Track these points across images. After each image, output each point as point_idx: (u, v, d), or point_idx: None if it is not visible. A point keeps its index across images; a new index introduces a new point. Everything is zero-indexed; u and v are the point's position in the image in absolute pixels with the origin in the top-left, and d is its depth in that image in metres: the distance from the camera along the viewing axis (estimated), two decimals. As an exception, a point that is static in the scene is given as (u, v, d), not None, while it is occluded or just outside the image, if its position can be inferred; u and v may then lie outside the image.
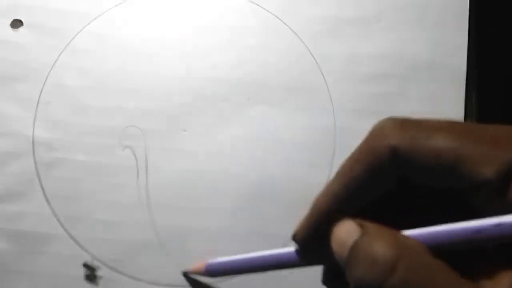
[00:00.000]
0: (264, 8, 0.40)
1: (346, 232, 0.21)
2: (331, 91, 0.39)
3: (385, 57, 0.39)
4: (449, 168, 0.19)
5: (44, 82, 0.39)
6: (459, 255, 0.19)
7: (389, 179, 0.21)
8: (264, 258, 0.26)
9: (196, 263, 0.35)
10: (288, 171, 0.38)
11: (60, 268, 0.37)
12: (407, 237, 0.20)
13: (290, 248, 0.25)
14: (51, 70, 0.39)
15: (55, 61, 0.39)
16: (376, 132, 0.22)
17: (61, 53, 0.39)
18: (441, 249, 0.19)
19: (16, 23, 0.39)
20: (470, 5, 0.39)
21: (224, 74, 0.39)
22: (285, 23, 0.40)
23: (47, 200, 0.38)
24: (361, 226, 0.20)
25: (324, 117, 0.38)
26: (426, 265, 0.18)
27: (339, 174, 0.22)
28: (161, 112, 0.39)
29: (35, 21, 0.39)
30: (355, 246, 0.20)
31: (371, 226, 0.20)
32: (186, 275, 0.36)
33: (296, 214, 0.37)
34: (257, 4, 0.40)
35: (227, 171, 0.38)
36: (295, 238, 0.24)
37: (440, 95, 0.38)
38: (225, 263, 0.30)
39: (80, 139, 0.38)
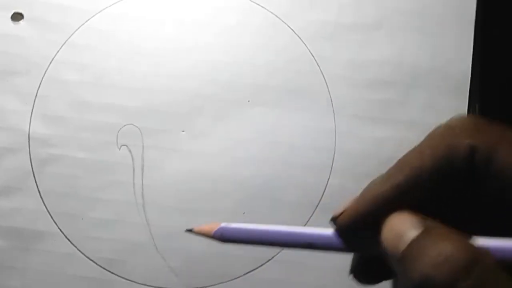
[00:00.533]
0: (266, 9, 0.39)
1: (404, 224, 0.19)
2: (332, 94, 0.38)
3: (386, 63, 0.39)
4: None
5: (43, 77, 0.38)
6: None
7: (461, 179, 0.20)
8: (292, 234, 0.24)
9: (206, 224, 0.32)
10: (287, 174, 0.37)
11: (52, 265, 0.36)
12: (478, 244, 0.19)
13: (324, 229, 0.23)
14: (50, 64, 0.39)
15: (54, 56, 0.39)
16: (453, 128, 0.20)
17: (60, 48, 0.39)
18: (506, 264, 0.18)
19: (17, 16, 0.39)
20: (476, 13, 0.39)
21: (225, 75, 0.39)
22: (287, 25, 0.39)
23: (41, 197, 0.37)
24: (421, 222, 0.19)
25: (325, 121, 0.38)
26: (498, 278, 0.18)
27: (404, 164, 0.21)
28: (160, 111, 0.38)
29: (36, 15, 0.39)
30: (418, 242, 0.19)
31: (435, 225, 0.19)
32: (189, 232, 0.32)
33: (294, 217, 0.37)
34: (259, 4, 0.39)
35: (224, 173, 0.37)
36: (336, 219, 0.22)
37: (442, 103, 0.38)
38: (244, 231, 0.26)
39: (77, 135, 0.38)
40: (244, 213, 0.37)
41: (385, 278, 0.22)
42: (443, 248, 0.18)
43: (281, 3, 0.39)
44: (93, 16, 0.39)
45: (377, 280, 0.23)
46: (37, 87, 0.38)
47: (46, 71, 0.38)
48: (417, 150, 0.21)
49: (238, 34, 0.39)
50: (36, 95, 0.38)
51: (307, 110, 0.38)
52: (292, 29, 0.39)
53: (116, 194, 0.37)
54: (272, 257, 0.36)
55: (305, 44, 0.39)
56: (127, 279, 0.36)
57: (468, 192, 0.21)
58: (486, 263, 0.18)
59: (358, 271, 0.24)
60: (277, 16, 0.39)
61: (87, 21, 0.39)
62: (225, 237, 0.25)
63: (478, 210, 0.21)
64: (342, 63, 0.39)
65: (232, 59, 0.39)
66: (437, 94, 0.38)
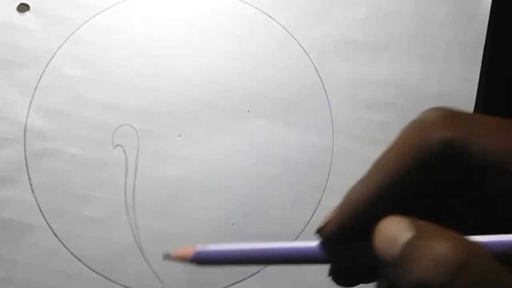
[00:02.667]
0: (275, 20, 0.39)
1: (395, 228, 0.19)
2: (333, 112, 0.38)
3: (390, 85, 0.38)
4: (503, 169, 0.18)
5: (44, 70, 0.38)
6: None
7: (439, 175, 0.20)
8: (273, 250, 0.22)
9: (182, 248, 0.32)
10: (280, 188, 0.37)
11: (38, 259, 0.36)
12: (472, 241, 0.18)
13: (305, 242, 0.22)
14: (52, 58, 0.38)
15: (58, 50, 0.38)
16: (426, 123, 0.20)
17: (64, 42, 0.39)
18: (503, 260, 0.18)
19: (23, 7, 0.39)
20: (485, 43, 0.38)
21: (227, 83, 0.38)
22: (294, 38, 0.39)
23: (32, 190, 0.37)
24: (413, 223, 0.19)
25: (323, 138, 0.37)
26: (497, 274, 0.17)
27: (381, 167, 0.20)
28: (158, 114, 0.38)
29: (42, 7, 0.39)
30: (411, 244, 0.18)
31: (427, 225, 0.19)
32: (167, 258, 0.32)
33: (284, 233, 0.36)
34: (268, 15, 0.39)
35: (217, 182, 0.37)
36: (321, 231, 0.22)
37: (444, 129, 0.37)
38: (221, 252, 0.25)
39: (73, 131, 0.38)
40: (233, 224, 0.36)
41: (364, 281, 0.22)
42: (437, 249, 0.17)
43: (290, 15, 0.39)
44: (99, 12, 0.39)
45: (356, 283, 0.23)
46: (38, 79, 0.38)
47: (48, 64, 0.38)
48: (392, 150, 0.21)
49: (245, 43, 0.39)
50: (36, 88, 0.38)
51: (306, 126, 0.38)
52: (298, 42, 0.39)
53: (107, 193, 0.37)
54: (258, 271, 0.36)
55: (310, 59, 0.38)
56: (110, 280, 0.36)
57: (450, 187, 0.20)
58: (483, 259, 0.17)
59: (337, 273, 0.23)
60: (284, 28, 0.39)
61: (93, 17, 0.39)
62: (202, 260, 0.24)
63: (465, 203, 0.20)
64: (346, 81, 0.38)
65: (236, 68, 0.38)
66: (439, 121, 0.37)
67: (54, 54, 0.38)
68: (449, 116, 0.20)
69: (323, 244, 0.21)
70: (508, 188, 0.19)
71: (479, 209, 0.20)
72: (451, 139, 0.19)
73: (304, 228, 0.36)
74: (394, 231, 0.19)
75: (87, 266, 0.36)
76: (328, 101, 0.38)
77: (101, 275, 0.36)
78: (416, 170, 0.20)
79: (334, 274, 0.23)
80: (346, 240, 0.21)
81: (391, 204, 0.20)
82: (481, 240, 0.19)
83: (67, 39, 0.39)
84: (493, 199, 0.20)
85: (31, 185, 0.37)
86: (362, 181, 0.21)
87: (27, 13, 0.39)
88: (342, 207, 0.21)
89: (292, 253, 0.22)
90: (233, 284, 0.36)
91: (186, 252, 0.25)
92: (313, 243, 0.22)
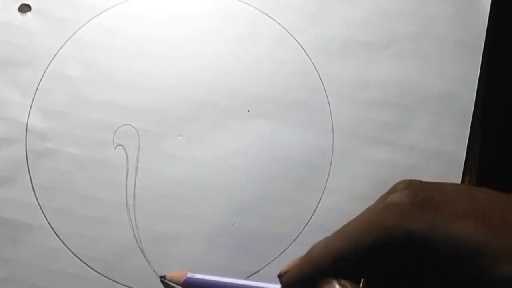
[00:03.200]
0: (274, 20, 0.39)
1: None
2: (333, 112, 0.38)
3: (390, 85, 0.38)
4: (469, 259, 0.19)
5: (45, 70, 0.38)
6: None
7: (399, 260, 0.21)
8: (238, 285, 0.28)
9: (175, 272, 0.35)
10: (280, 188, 0.37)
11: (38, 259, 0.36)
12: None
13: (273, 285, 0.26)
14: (53, 58, 0.39)
15: (59, 50, 0.39)
16: (393, 208, 0.21)
17: (65, 42, 0.39)
18: None
19: (24, 8, 0.39)
20: (485, 43, 0.38)
21: (227, 83, 0.38)
22: (294, 37, 0.39)
23: (34, 190, 0.37)
24: None
25: (323, 138, 0.38)
26: None
27: (344, 235, 0.22)
28: (158, 114, 0.38)
29: (43, 8, 0.39)
30: None
31: None
32: (163, 280, 0.36)
33: (283, 232, 0.36)
34: (267, 15, 0.39)
35: (217, 182, 0.37)
36: (281, 277, 0.24)
37: (443, 129, 0.37)
38: (204, 282, 0.31)
39: (74, 131, 0.38)
40: (233, 223, 0.37)
41: None
42: None
43: (290, 15, 0.39)
44: (101, 13, 0.39)
45: None
46: (39, 80, 0.38)
47: (49, 65, 0.39)
48: (360, 222, 0.22)
49: (245, 43, 0.39)
50: (37, 88, 0.38)
51: (306, 126, 0.38)
52: (298, 42, 0.39)
53: (107, 193, 0.37)
54: (257, 271, 0.36)
55: (310, 59, 0.39)
56: (111, 279, 0.36)
57: (410, 268, 0.21)
58: None
59: None
60: (284, 28, 0.39)
61: (94, 17, 0.39)
62: (191, 285, 0.31)
63: (420, 282, 0.21)
64: (346, 80, 0.38)
65: (236, 68, 0.38)
66: (439, 119, 0.37)
67: (55, 54, 0.39)
68: (414, 204, 0.20)
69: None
70: (475, 277, 0.19)
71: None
72: (414, 230, 0.20)
73: (304, 228, 0.37)
74: None
75: (88, 266, 0.36)
76: (328, 101, 0.38)
77: (102, 274, 0.36)
78: (376, 253, 0.21)
79: None
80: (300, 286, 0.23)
81: (344, 272, 0.21)
82: None
83: (68, 39, 0.39)
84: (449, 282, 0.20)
85: (32, 185, 0.37)
86: (325, 240, 0.23)
87: (28, 13, 0.39)
88: (302, 262, 0.23)
89: None
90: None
91: (178, 276, 0.32)
92: (277, 286, 0.25)
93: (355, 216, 0.36)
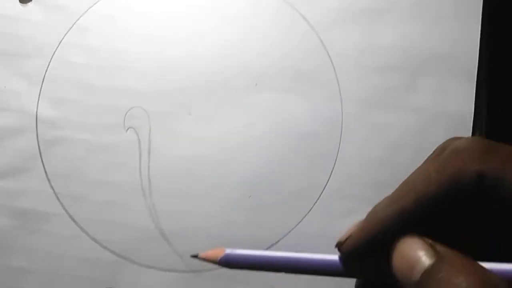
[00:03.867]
0: (275, -6, 0.39)
1: (415, 252, 0.19)
2: (340, 80, 0.38)
3: (394, 49, 0.38)
4: None
5: (50, 59, 0.39)
6: None
7: (470, 205, 0.20)
8: (296, 259, 0.23)
9: (210, 250, 0.33)
10: (293, 159, 0.37)
11: (58, 246, 0.36)
12: (490, 272, 0.18)
13: (329, 255, 0.22)
14: (57, 47, 0.39)
15: (62, 39, 0.39)
16: (462, 153, 0.20)
17: (68, 30, 0.39)
18: None
19: (25, -1, 0.39)
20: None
21: (232, 59, 0.39)
22: (296, 9, 0.39)
23: (48, 178, 0.37)
24: (433, 248, 0.19)
25: (332, 107, 0.38)
26: None
27: (409, 188, 0.20)
28: (166, 94, 0.38)
29: (44, -2, 0.39)
30: (431, 272, 0.18)
31: (447, 253, 0.19)
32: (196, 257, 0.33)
33: (299, 202, 0.37)
34: (268, -10, 0.39)
35: (230, 157, 0.37)
36: (341, 246, 0.22)
37: (450, 89, 0.38)
38: (247, 257, 0.26)
39: (84, 118, 0.38)
40: (250, 196, 0.37)
41: None
42: (455, 281, 0.17)
43: (290, -12, 0.39)
44: (101, -1, 0.39)
45: None
46: (45, 69, 0.38)
47: (54, 54, 0.39)
48: (423, 173, 0.21)
49: (247, 18, 0.39)
50: (44, 77, 0.38)
51: (314, 96, 0.38)
52: (301, 14, 0.39)
53: (122, 176, 0.37)
54: (276, 242, 0.36)
55: (313, 29, 0.39)
56: (132, 261, 0.36)
57: (476, 216, 0.20)
58: None
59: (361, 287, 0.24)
60: (285, 1, 0.39)
61: (95, 3, 0.39)
62: (230, 263, 0.25)
63: (488, 233, 0.21)
64: (350, 48, 0.39)
65: (240, 43, 0.39)
66: (445, 79, 0.38)
67: (60, 43, 0.39)
68: (484, 148, 0.20)
69: (343, 258, 0.22)
70: None
71: (503, 241, 0.20)
72: (485, 172, 0.19)
73: (319, 196, 0.37)
74: (414, 256, 0.19)
75: (108, 250, 0.36)
76: (334, 69, 0.38)
77: (122, 257, 0.36)
78: (445, 198, 0.20)
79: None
80: (365, 255, 0.21)
81: (414, 228, 0.20)
82: (499, 268, 0.19)
83: (71, 27, 0.39)
84: None
85: (46, 173, 0.37)
86: (387, 199, 0.21)
87: (29, 4, 0.39)
88: (364, 225, 0.21)
89: (312, 265, 0.22)
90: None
91: (215, 254, 0.26)
92: (335, 256, 0.22)
93: (368, 182, 0.36)
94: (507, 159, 0.19)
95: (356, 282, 0.24)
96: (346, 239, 0.22)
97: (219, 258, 0.26)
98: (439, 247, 0.19)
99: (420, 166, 0.21)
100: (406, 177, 0.35)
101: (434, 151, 0.21)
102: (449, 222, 0.21)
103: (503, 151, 0.20)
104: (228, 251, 0.25)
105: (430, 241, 0.19)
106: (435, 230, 0.20)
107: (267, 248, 0.36)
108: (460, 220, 0.21)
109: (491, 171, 0.19)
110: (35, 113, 0.38)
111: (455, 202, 0.20)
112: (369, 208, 0.36)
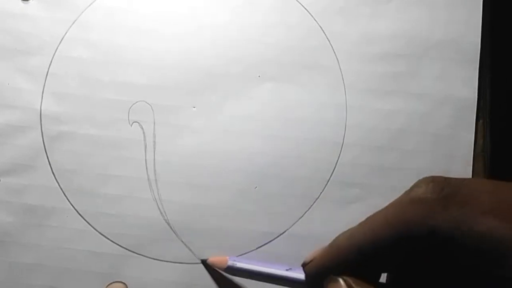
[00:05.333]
0: (276, -15, 0.39)
1: None
2: (343, 69, 0.38)
3: (395, 36, 0.38)
4: (492, 255, 0.19)
5: (53, 55, 0.39)
6: None
7: (421, 256, 0.21)
8: (277, 275, 0.29)
9: (216, 257, 0.34)
10: (298, 149, 0.37)
11: (65, 241, 0.36)
12: None
13: (301, 274, 0.26)
14: (60, 43, 0.39)
15: (65, 34, 0.39)
16: (417, 203, 0.21)
17: (70, 26, 0.39)
18: None
19: (26, -4, 0.39)
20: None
21: (235, 51, 0.39)
22: (298, 1, 0.39)
23: (54, 174, 0.37)
24: None
25: (336, 95, 0.38)
26: None
27: (368, 227, 0.22)
28: (170, 88, 0.38)
29: (45, -6, 0.39)
30: None
31: None
32: (204, 262, 0.36)
33: (305, 191, 0.37)
34: (269, -20, 0.39)
35: (235, 148, 0.37)
36: (304, 266, 0.25)
37: (452, 74, 0.38)
38: (244, 270, 0.32)
39: (88, 112, 0.38)
40: (256, 187, 0.37)
41: None
42: None
43: (290, -22, 0.39)
44: (102, -6, 0.39)
45: None
46: (48, 65, 0.38)
47: (56, 50, 0.39)
48: (383, 216, 0.22)
49: (249, 10, 0.39)
50: (47, 74, 0.38)
51: (317, 85, 0.38)
52: (302, 4, 0.39)
53: (128, 170, 0.37)
54: (284, 232, 0.36)
55: (315, 19, 0.39)
56: (140, 254, 0.36)
57: (430, 263, 0.21)
58: None
59: None
60: (286, -8, 0.39)
61: (96, -1, 0.39)
62: (233, 271, 0.32)
63: (443, 276, 0.21)
64: (352, 37, 0.39)
65: (242, 35, 0.39)
66: (448, 65, 0.38)
67: (62, 39, 0.39)
68: (441, 199, 0.20)
69: (305, 278, 0.25)
70: (499, 274, 0.19)
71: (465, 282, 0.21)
72: (436, 227, 0.20)
73: (326, 185, 0.37)
74: None
75: (116, 244, 0.36)
76: (337, 59, 0.38)
77: (130, 250, 0.36)
78: (397, 246, 0.21)
79: None
80: (324, 278, 0.23)
81: (368, 262, 0.22)
82: None
83: (72, 23, 0.39)
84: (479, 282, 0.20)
85: (51, 169, 0.37)
86: (349, 232, 0.23)
87: (31, 1, 0.39)
88: (326, 250, 0.23)
89: (287, 280, 0.28)
90: (265, 244, 0.36)
91: (220, 262, 0.34)
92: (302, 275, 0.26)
93: (374, 169, 0.37)
94: (464, 212, 0.19)
95: None
96: (309, 261, 0.24)
97: (223, 268, 0.33)
98: None
99: (387, 205, 0.22)
100: (411, 164, 0.35)
101: (406, 191, 0.22)
102: (406, 267, 0.22)
103: (459, 199, 0.20)
104: (230, 262, 0.32)
105: (352, 284, 0.21)
106: (390, 270, 0.22)
107: (274, 239, 0.36)
108: (416, 267, 0.22)
109: (443, 226, 0.20)
110: (39, 109, 0.38)
111: (406, 249, 0.21)
112: (375, 195, 0.36)
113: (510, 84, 0.39)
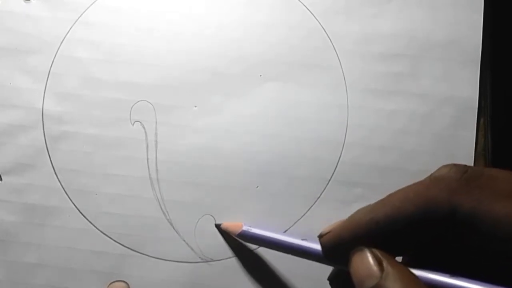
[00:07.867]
0: (277, -15, 0.39)
1: (365, 269, 0.21)
2: (344, 69, 0.38)
3: (397, 36, 0.39)
4: (507, 238, 0.19)
5: (55, 55, 0.39)
6: None
7: (440, 231, 0.21)
8: (291, 244, 0.28)
9: (231, 222, 0.35)
10: (300, 148, 0.37)
11: (67, 241, 0.36)
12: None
13: (316, 244, 0.26)
14: (62, 42, 0.39)
15: (66, 34, 0.39)
16: (440, 182, 0.21)
17: (72, 25, 0.39)
18: None
19: (28, -5, 0.39)
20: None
21: (236, 51, 0.39)
22: (300, 1, 0.39)
23: (56, 173, 0.37)
24: (379, 264, 0.21)
25: (337, 95, 0.38)
26: None
27: (389, 203, 0.22)
28: (172, 87, 0.38)
29: (47, -7, 0.39)
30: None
31: (393, 270, 0.20)
32: (218, 227, 0.36)
33: (307, 191, 0.37)
34: (271, -20, 0.40)
35: (237, 148, 0.37)
36: (321, 238, 0.24)
37: (453, 74, 0.38)
38: (257, 235, 0.31)
39: (90, 112, 0.38)
40: (257, 187, 0.37)
41: None
42: None
43: (292, -22, 0.40)
44: (104, -6, 0.39)
45: None
46: (50, 65, 0.38)
47: (58, 49, 0.39)
48: (403, 193, 0.22)
49: (251, 10, 0.39)
50: (49, 73, 0.38)
51: (319, 84, 0.38)
52: (303, 4, 0.39)
53: (130, 169, 0.37)
54: (285, 231, 0.36)
55: (316, 19, 0.39)
56: (142, 253, 0.36)
57: (447, 240, 0.21)
58: None
59: (334, 280, 0.26)
60: (287, -8, 0.39)
61: (98, -2, 0.39)
62: (246, 238, 0.33)
63: (458, 256, 0.22)
64: (354, 37, 0.39)
65: (244, 35, 0.39)
66: (449, 65, 0.38)
67: (64, 38, 0.39)
68: (463, 181, 0.21)
69: (322, 249, 0.25)
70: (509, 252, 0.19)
71: (475, 263, 0.21)
72: (458, 206, 0.20)
73: (327, 185, 0.37)
74: (363, 272, 0.21)
75: (118, 243, 0.36)
76: (339, 59, 0.38)
77: (132, 250, 0.36)
78: (418, 222, 0.21)
79: (332, 280, 0.26)
80: (341, 251, 0.23)
81: (384, 238, 0.22)
82: (438, 279, 0.20)
83: (74, 22, 0.39)
84: (491, 260, 0.20)
85: (53, 168, 0.37)
86: (368, 207, 0.23)
87: (32, 0, 0.39)
88: (343, 225, 0.23)
89: (302, 250, 0.27)
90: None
91: (234, 227, 0.34)
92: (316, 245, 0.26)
93: (375, 168, 0.37)
94: (484, 194, 0.20)
95: (332, 270, 0.26)
96: (326, 233, 0.24)
97: (237, 234, 0.33)
98: (386, 264, 0.21)
99: (410, 185, 0.22)
100: (412, 164, 0.36)
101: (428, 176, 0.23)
102: (422, 241, 0.22)
103: (481, 181, 0.20)
104: (245, 228, 0.33)
105: (379, 255, 0.21)
106: (409, 245, 0.22)
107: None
108: (437, 245, 0.22)
109: (464, 206, 0.20)
110: (41, 109, 0.38)
111: (426, 227, 0.21)
112: (376, 194, 0.36)
113: (511, 83, 0.39)
